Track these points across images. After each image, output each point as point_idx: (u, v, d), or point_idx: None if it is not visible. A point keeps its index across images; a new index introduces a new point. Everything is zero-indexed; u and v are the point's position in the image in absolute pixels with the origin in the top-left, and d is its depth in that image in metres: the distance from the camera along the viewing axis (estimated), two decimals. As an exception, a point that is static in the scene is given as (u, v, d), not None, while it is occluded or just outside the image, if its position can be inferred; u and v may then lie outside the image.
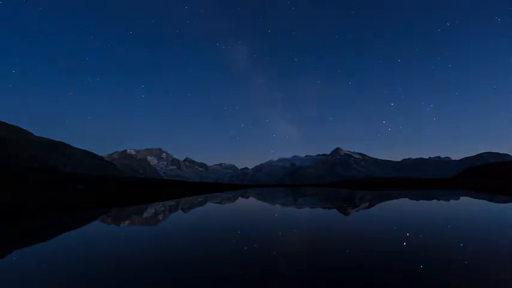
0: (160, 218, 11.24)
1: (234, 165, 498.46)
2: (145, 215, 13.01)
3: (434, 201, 18.36)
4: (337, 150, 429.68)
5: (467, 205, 15.18)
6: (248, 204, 18.83)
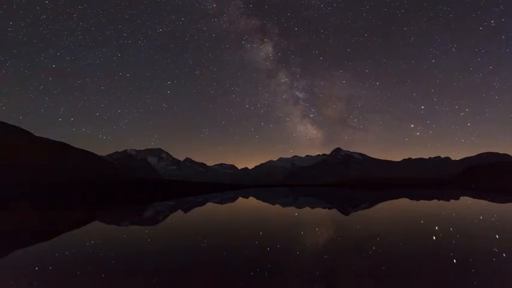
0: (160, 219, 11.24)
1: (234, 165, 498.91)
2: (145, 215, 13.00)
3: (434, 201, 18.36)
4: (337, 150, 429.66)
5: (467, 206, 15.18)
6: (248, 204, 18.83)
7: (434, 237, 6.07)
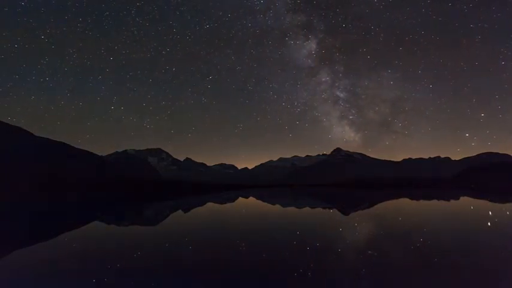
0: (160, 219, 11.24)
1: (234, 165, 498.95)
2: (145, 215, 13.00)
3: (434, 201, 18.34)
4: (337, 150, 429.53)
5: (467, 206, 15.17)
6: (248, 204, 18.81)
7: (434, 239, 6.06)
